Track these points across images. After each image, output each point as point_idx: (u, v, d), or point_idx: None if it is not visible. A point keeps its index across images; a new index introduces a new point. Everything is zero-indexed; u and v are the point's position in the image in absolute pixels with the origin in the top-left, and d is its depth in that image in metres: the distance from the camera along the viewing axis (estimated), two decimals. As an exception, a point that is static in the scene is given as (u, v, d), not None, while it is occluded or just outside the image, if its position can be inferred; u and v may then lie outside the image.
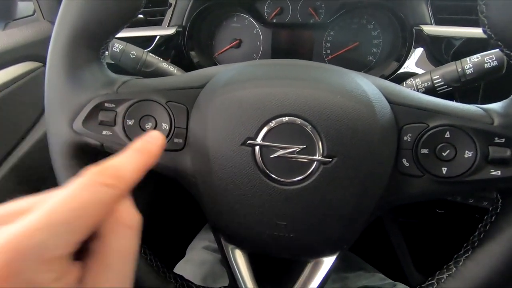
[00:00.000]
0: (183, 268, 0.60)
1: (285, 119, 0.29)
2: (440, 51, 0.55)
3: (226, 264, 0.36)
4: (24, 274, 0.17)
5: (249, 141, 0.30)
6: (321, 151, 0.29)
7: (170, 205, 1.01)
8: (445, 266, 0.34)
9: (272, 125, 0.30)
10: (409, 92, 0.33)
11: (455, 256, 0.34)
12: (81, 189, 0.20)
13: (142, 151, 0.25)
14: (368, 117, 0.29)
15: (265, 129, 0.30)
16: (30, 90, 0.56)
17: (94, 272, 0.20)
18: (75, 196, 0.19)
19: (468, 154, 0.30)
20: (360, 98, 0.30)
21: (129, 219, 0.22)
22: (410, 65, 0.57)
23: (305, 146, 0.29)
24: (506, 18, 0.27)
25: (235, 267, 0.35)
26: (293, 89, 0.30)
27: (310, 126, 0.29)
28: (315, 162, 0.29)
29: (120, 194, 0.22)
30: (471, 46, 0.52)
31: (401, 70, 0.57)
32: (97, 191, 0.20)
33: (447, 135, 0.30)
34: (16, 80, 0.54)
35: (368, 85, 0.32)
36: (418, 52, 0.56)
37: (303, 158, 0.29)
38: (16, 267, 0.17)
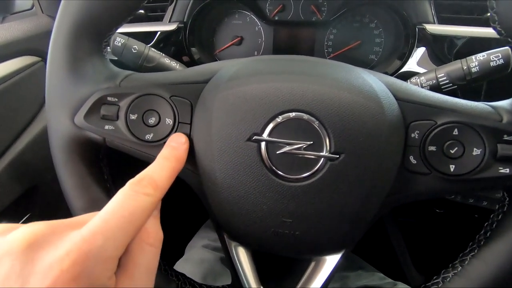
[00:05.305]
0: (183, 267, 0.59)
1: (292, 114, 0.29)
2: (443, 50, 0.55)
3: (229, 262, 0.35)
4: (87, 273, 0.20)
5: (255, 136, 0.29)
6: (328, 148, 0.29)
7: (167, 204, 1.00)
8: (450, 265, 0.34)
9: (278, 120, 0.29)
10: (416, 89, 0.32)
11: (460, 255, 0.34)
12: (127, 199, 0.23)
13: (170, 158, 0.29)
14: (376, 113, 0.29)
15: (271, 125, 0.29)
16: (28, 85, 0.55)
17: (121, 282, 0.23)
18: (123, 205, 0.23)
19: (476, 151, 0.29)
20: (368, 94, 0.30)
21: (153, 237, 0.25)
22: (411, 65, 0.57)
23: (312, 142, 0.29)
24: None
25: (238, 265, 0.35)
26: (300, 85, 0.30)
27: (317, 122, 0.29)
28: (322, 158, 0.29)
29: (157, 201, 0.25)
30: (474, 46, 0.52)
31: (403, 69, 0.57)
32: (140, 199, 0.24)
33: (455, 132, 0.30)
34: (14, 75, 0.53)
35: (375, 82, 0.31)
36: (420, 51, 0.56)
37: (310, 154, 0.29)
38: (81, 266, 0.20)
